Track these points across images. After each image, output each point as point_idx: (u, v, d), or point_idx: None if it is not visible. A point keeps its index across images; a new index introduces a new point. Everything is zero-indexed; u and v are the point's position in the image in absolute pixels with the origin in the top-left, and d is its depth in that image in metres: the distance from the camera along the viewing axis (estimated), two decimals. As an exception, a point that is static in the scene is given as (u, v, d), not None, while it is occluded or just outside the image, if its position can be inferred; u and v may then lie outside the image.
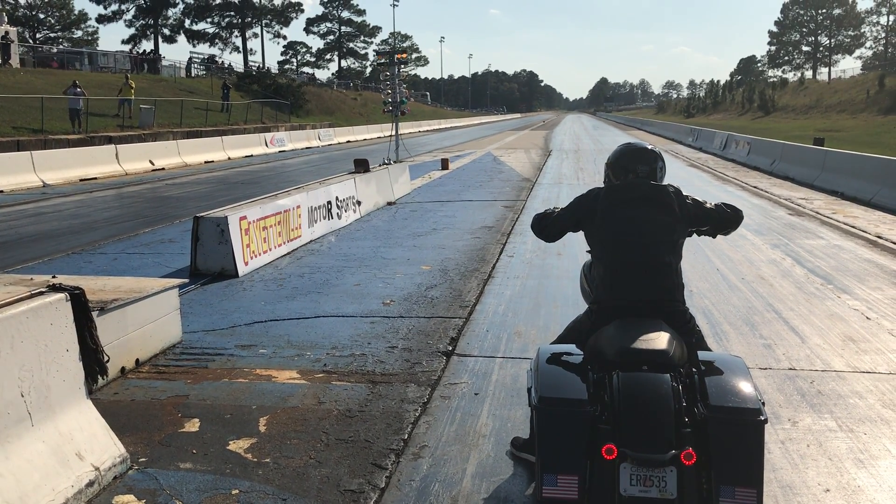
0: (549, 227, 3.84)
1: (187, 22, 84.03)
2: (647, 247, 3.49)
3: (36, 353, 3.59)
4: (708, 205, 3.69)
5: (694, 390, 3.04)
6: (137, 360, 5.63)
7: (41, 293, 3.74)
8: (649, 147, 3.81)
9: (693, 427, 2.92)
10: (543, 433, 3.04)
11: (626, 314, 3.40)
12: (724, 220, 3.72)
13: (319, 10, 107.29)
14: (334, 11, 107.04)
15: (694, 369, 3.14)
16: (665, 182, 3.70)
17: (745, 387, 3.04)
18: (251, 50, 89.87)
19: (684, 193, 3.65)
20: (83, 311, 3.95)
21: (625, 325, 3.28)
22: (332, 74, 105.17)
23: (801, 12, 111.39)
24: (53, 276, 4.35)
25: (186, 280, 7.78)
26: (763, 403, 3.00)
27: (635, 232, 3.51)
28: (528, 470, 3.92)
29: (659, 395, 2.93)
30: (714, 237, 3.84)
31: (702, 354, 3.30)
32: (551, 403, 3.06)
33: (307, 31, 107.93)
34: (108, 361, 4.16)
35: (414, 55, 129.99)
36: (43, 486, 3.45)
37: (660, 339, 3.12)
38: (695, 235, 3.77)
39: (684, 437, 2.89)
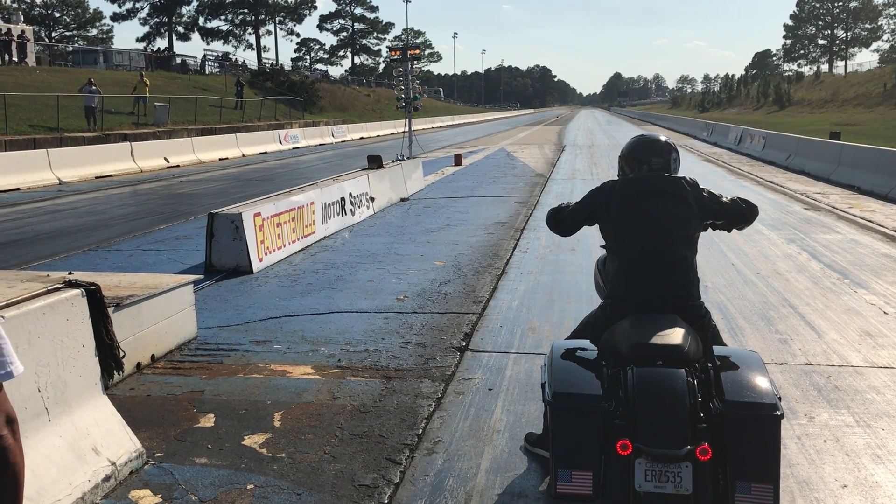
0: (564, 221, 3.80)
1: (201, 19, 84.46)
2: (662, 241, 3.45)
3: (52, 349, 3.61)
4: (724, 198, 3.64)
5: (709, 385, 3.01)
6: (153, 356, 5.67)
7: (57, 289, 3.77)
8: (663, 139, 3.77)
9: (708, 422, 2.90)
10: (558, 429, 3.02)
11: (640, 309, 3.37)
12: (739, 214, 3.67)
13: (332, 7, 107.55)
14: (347, 8, 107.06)
15: (709, 364, 3.11)
16: (681, 175, 3.67)
17: (761, 382, 3.01)
18: (265, 47, 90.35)
19: (701, 186, 3.61)
20: (99, 307, 3.97)
21: (639, 320, 3.25)
22: (346, 71, 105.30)
23: (817, 5, 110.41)
24: (69, 273, 4.37)
25: (201, 276, 7.83)
26: (779, 398, 2.97)
27: (650, 226, 3.47)
28: (543, 465, 3.91)
29: (674, 391, 2.90)
30: (729, 231, 3.80)
31: (717, 349, 3.28)
32: (565, 399, 3.04)
33: (320, 27, 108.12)
34: (123, 357, 4.19)
35: (427, 51, 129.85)
36: (60, 481, 3.48)
37: (675, 334, 3.09)
38: (709, 229, 3.74)
39: (700, 432, 2.86)
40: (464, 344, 6.07)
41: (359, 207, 12.87)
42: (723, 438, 2.87)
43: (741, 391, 2.96)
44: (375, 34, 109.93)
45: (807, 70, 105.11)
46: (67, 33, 74.95)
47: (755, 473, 2.85)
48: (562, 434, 3.01)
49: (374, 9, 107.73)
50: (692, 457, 2.82)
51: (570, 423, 3.00)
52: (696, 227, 3.54)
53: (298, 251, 10.07)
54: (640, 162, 3.66)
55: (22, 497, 2.20)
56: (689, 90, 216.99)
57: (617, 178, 3.80)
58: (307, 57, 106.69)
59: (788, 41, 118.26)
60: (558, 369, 3.20)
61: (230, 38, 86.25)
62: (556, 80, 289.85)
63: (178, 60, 57.20)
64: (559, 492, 2.97)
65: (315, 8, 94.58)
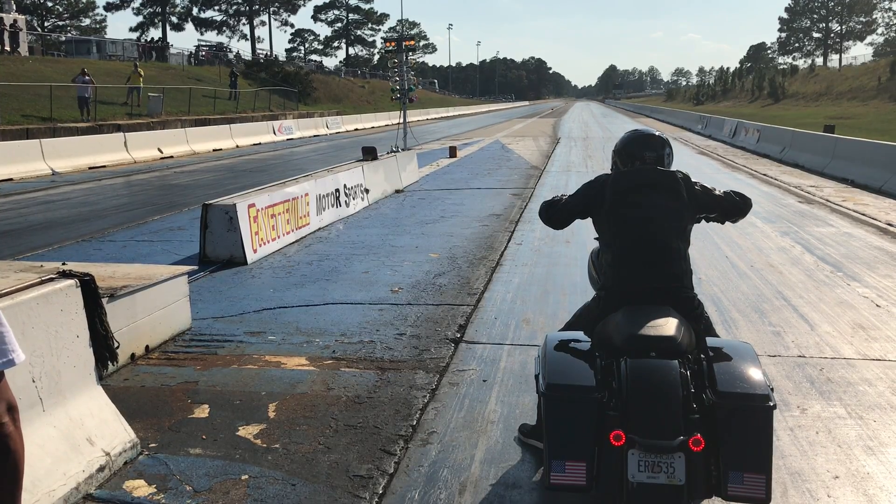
0: (557, 214, 3.82)
1: (195, 10, 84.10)
2: (655, 233, 3.47)
3: (46, 340, 3.61)
4: (717, 192, 3.67)
5: (702, 376, 3.02)
6: (147, 347, 5.66)
7: (51, 280, 3.76)
8: (656, 133, 3.80)
9: (701, 413, 2.91)
10: (551, 420, 3.03)
11: (634, 301, 3.38)
12: (732, 207, 3.70)
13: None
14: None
15: (702, 355, 3.13)
16: (673, 169, 3.69)
17: (754, 373, 3.02)
18: (259, 38, 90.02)
19: (693, 180, 3.63)
20: (93, 298, 3.96)
21: (633, 312, 3.26)
22: (340, 62, 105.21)
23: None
24: (63, 263, 4.36)
25: (195, 267, 7.80)
26: (772, 389, 2.99)
27: (643, 218, 3.49)
28: (537, 456, 3.93)
29: (667, 382, 2.92)
30: (722, 223, 3.83)
31: (710, 341, 3.29)
32: (559, 390, 3.05)
33: (315, 18, 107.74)
34: (118, 348, 4.18)
35: (422, 42, 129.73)
36: (54, 471, 3.48)
37: (668, 326, 3.10)
38: (703, 222, 3.76)
39: (692, 423, 2.88)
40: (458, 335, 6.08)
41: (353, 199, 12.85)
42: (715, 429, 2.89)
43: (734, 382, 2.97)
44: (370, 25, 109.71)
45: (801, 63, 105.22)
46: (60, 23, 74.55)
47: (748, 463, 2.87)
48: (555, 425, 3.02)
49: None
50: (685, 447, 2.83)
51: (563, 414, 3.01)
52: (688, 219, 3.57)
53: (293, 242, 10.06)
54: (633, 157, 3.69)
55: (22, 485, 2.20)
56: (684, 83, 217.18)
57: (610, 171, 3.82)
58: (301, 48, 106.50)
59: (783, 34, 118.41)
60: (552, 361, 3.21)
61: (224, 28, 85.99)
62: (551, 72, 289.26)
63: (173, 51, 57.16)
64: (553, 482, 2.98)
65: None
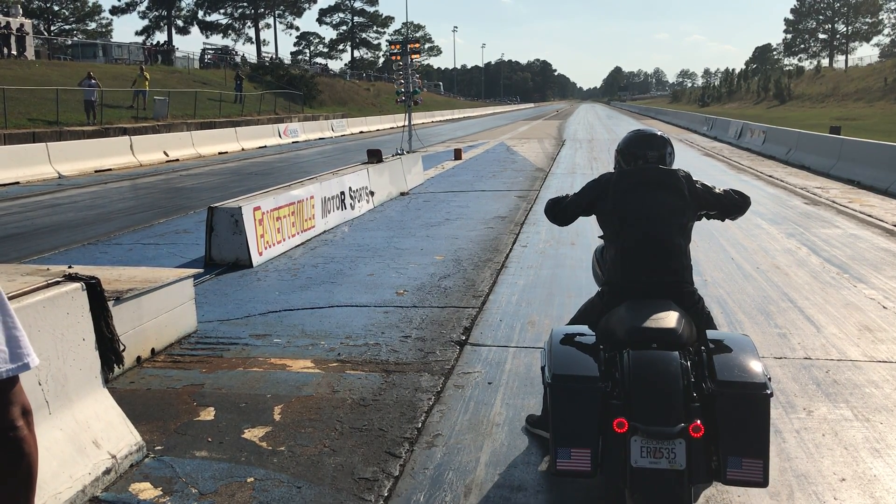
0: (563, 211, 3.94)
1: (200, 13, 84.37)
2: (657, 230, 3.58)
3: (53, 343, 3.62)
4: (717, 190, 3.79)
5: (702, 367, 3.11)
6: (153, 350, 5.67)
7: (57, 283, 3.77)
8: (658, 133, 3.91)
9: (701, 401, 3.00)
10: (557, 409, 3.11)
11: (636, 295, 3.48)
12: (731, 204, 3.81)
13: (332, 1, 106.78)
14: (347, 1, 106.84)
15: (703, 347, 3.21)
16: (675, 168, 3.77)
17: (752, 363, 3.10)
18: (264, 41, 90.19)
19: (694, 178, 3.74)
20: (99, 301, 3.98)
21: (635, 306, 3.37)
22: (345, 65, 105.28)
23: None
24: (69, 267, 4.38)
25: (201, 270, 7.81)
26: (769, 379, 3.06)
27: (646, 215, 3.60)
28: (542, 454, 3.95)
29: (668, 372, 3.01)
30: (722, 220, 3.95)
31: (710, 333, 3.38)
32: (564, 380, 3.13)
33: (320, 21, 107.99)
34: (123, 350, 4.20)
35: (427, 45, 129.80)
36: (61, 474, 3.49)
37: (669, 319, 3.21)
38: (704, 219, 3.85)
39: (693, 411, 2.96)
40: (463, 338, 6.08)
41: (358, 202, 12.87)
42: (715, 416, 2.97)
43: (732, 371, 3.06)
44: (375, 28, 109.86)
45: (807, 64, 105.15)
46: (66, 27, 74.88)
47: (746, 449, 2.95)
48: (561, 414, 3.10)
49: (374, 2, 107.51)
50: (685, 434, 2.92)
51: (569, 403, 3.10)
52: (689, 216, 3.68)
53: (298, 245, 10.07)
54: (636, 156, 3.81)
55: (35, 487, 2.20)
56: (690, 84, 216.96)
57: (613, 170, 3.90)
58: (307, 51, 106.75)
59: (789, 35, 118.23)
60: (558, 353, 3.30)
61: (229, 31, 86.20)
62: (556, 74, 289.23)
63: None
64: (559, 469, 3.07)
65: (314, 1, 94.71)
